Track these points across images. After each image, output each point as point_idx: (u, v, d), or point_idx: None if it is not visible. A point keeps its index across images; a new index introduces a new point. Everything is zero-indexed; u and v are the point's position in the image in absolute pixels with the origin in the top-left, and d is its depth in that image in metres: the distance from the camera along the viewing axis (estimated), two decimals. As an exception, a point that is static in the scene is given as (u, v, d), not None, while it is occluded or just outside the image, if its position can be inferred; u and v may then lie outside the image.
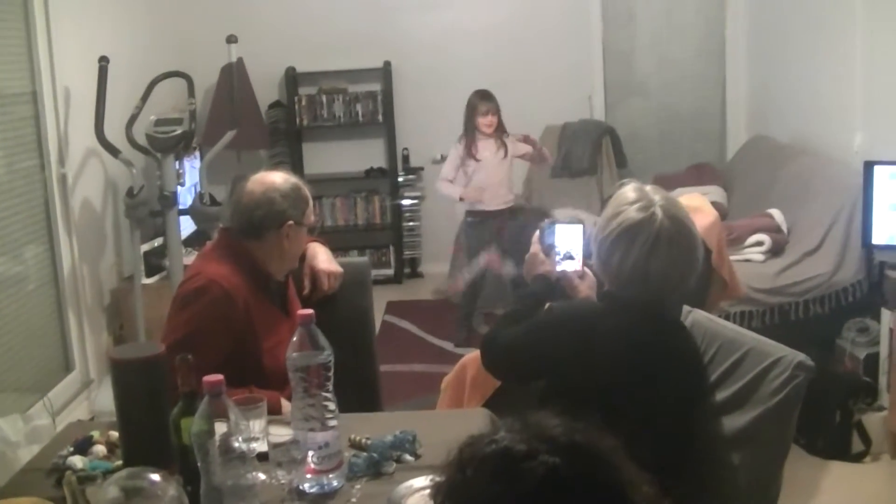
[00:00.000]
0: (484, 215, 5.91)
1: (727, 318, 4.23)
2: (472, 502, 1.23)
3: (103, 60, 5.10)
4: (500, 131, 5.85)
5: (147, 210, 5.28)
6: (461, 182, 5.91)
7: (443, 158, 6.08)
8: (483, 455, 1.25)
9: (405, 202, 7.68)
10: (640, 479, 1.25)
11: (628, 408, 2.18)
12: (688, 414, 2.35)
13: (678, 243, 2.28)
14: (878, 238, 4.39)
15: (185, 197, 5.62)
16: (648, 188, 2.37)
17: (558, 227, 2.74)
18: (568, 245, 2.71)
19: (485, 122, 5.77)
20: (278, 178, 2.87)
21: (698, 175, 6.83)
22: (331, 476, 2.19)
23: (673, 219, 2.29)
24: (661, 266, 2.27)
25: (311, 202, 2.92)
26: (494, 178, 5.86)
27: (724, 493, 2.31)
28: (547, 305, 2.56)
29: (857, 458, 4.21)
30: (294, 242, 2.87)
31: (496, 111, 5.80)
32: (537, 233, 2.77)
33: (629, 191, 2.37)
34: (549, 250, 2.73)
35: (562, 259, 2.71)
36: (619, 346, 2.30)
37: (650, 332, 2.34)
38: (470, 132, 5.84)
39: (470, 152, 5.83)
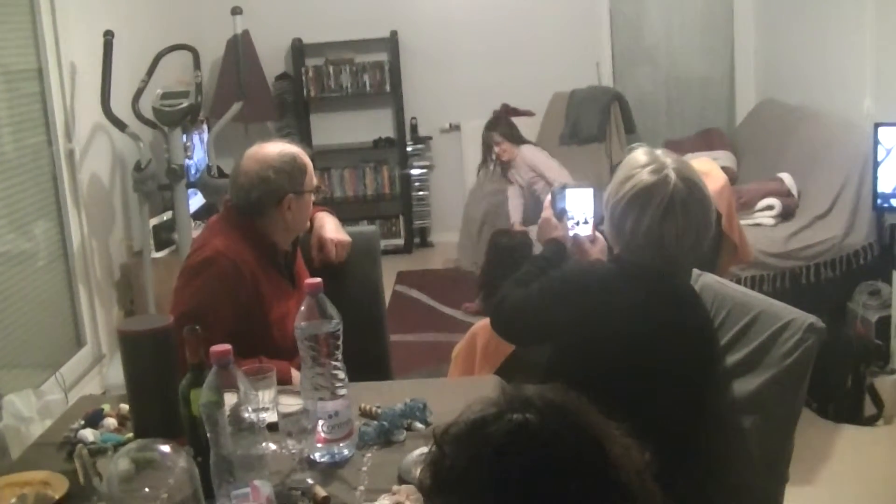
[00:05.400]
0: None
1: (738, 282, 4.21)
2: (450, 473, 1.24)
3: (108, 35, 5.08)
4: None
5: (155, 184, 5.27)
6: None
7: (452, 127, 6.00)
8: (458, 429, 1.26)
9: (414, 172, 7.66)
10: (617, 432, 1.26)
11: (637, 371, 2.18)
12: (698, 380, 2.34)
13: (692, 206, 2.25)
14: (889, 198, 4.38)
15: (193, 170, 5.62)
16: (659, 151, 2.35)
17: (569, 192, 2.73)
18: (579, 209, 2.70)
19: None
20: (272, 152, 2.82)
21: (708, 140, 6.80)
22: (341, 445, 2.20)
23: (686, 181, 2.26)
24: (676, 229, 2.24)
25: (308, 167, 2.87)
26: None
27: (735, 458, 2.30)
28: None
29: (870, 421, 4.20)
30: (297, 212, 2.85)
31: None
32: (549, 197, 2.76)
33: (640, 154, 2.35)
34: (561, 215, 2.72)
35: (574, 223, 2.70)
36: (628, 309, 2.28)
37: (659, 296, 2.32)
38: None
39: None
